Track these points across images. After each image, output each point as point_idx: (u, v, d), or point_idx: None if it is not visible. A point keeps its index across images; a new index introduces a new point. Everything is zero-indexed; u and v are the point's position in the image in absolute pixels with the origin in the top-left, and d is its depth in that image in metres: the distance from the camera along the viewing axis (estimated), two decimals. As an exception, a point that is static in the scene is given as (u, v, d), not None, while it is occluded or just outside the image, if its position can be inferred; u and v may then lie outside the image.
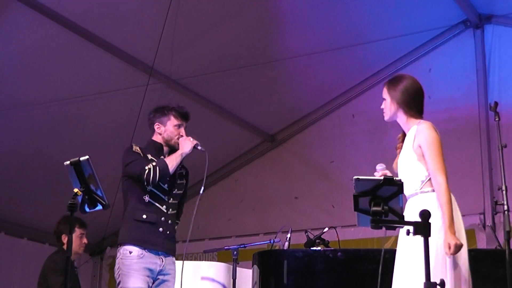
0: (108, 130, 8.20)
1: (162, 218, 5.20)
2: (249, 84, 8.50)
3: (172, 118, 5.39)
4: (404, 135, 4.66)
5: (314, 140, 9.26)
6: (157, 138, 5.40)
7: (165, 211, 5.23)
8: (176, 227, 5.34)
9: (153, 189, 5.21)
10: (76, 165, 4.47)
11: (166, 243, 5.21)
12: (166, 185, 5.26)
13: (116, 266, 5.19)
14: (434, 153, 4.38)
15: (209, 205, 9.64)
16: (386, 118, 4.68)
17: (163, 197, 5.24)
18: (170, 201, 5.27)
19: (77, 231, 6.65)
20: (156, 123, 5.41)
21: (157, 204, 5.21)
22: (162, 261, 5.18)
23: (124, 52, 7.54)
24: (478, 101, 8.20)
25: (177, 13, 7.09)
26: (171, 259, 5.27)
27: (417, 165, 4.43)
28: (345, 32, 8.07)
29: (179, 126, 5.38)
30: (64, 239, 6.48)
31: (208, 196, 9.71)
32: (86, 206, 4.57)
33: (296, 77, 8.57)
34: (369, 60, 8.64)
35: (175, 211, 5.32)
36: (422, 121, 4.53)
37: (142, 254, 5.10)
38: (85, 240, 6.77)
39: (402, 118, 4.62)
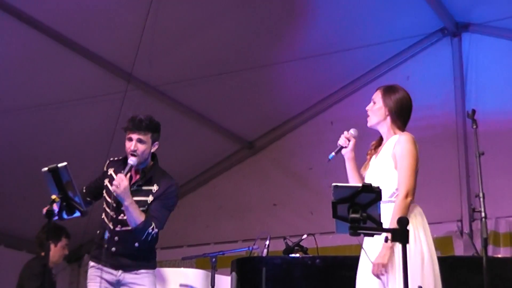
0: (86, 137, 8.16)
1: (108, 235, 5.10)
2: (228, 91, 8.50)
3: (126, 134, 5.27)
4: (379, 142, 4.72)
5: (292, 147, 9.27)
6: None
7: (112, 227, 5.11)
8: (136, 244, 5.10)
9: (105, 206, 5.18)
10: (54, 172, 4.45)
11: (113, 260, 5.09)
12: (112, 200, 5.13)
13: None
14: (406, 166, 4.45)
15: (188, 212, 9.62)
16: (371, 123, 4.72)
17: (110, 213, 5.14)
18: (118, 218, 5.11)
19: (63, 241, 6.65)
20: None
21: (106, 220, 5.16)
22: (118, 274, 5.10)
23: (102, 58, 7.51)
24: (455, 109, 8.26)
25: (156, 18, 7.08)
26: (132, 273, 5.11)
27: (393, 173, 4.48)
28: (323, 40, 8.10)
29: (129, 139, 5.19)
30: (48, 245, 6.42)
31: (187, 203, 9.70)
32: (64, 213, 4.55)
33: (275, 84, 8.58)
34: (347, 67, 8.67)
35: (127, 228, 5.08)
36: (405, 132, 4.62)
37: (98, 266, 5.13)
38: (66, 251, 6.77)
39: (386, 127, 4.68)
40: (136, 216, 4.99)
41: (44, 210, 4.48)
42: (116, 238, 5.09)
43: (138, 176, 5.22)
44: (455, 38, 8.37)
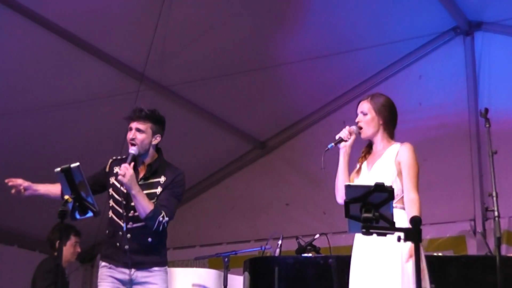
0: (98, 137, 8.17)
1: (120, 233, 5.07)
2: (240, 91, 8.49)
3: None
4: (369, 149, 4.79)
5: (304, 146, 9.25)
6: None
7: (123, 224, 5.06)
8: (150, 239, 5.08)
9: (114, 204, 5.15)
10: (67, 172, 4.46)
11: (126, 258, 5.03)
12: (122, 198, 5.11)
13: None
14: (413, 174, 4.54)
15: (200, 212, 9.64)
16: (366, 135, 4.77)
17: (120, 210, 5.09)
18: (129, 214, 5.07)
19: (72, 239, 6.67)
20: None
21: (115, 219, 5.12)
22: (131, 272, 5.06)
23: (114, 59, 7.53)
24: (468, 108, 8.23)
25: (168, 19, 7.09)
26: (145, 271, 5.07)
27: (396, 180, 4.56)
28: (335, 39, 8.08)
29: (129, 129, 5.20)
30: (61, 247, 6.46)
31: (199, 203, 9.73)
32: (76, 213, 4.56)
33: (287, 84, 8.58)
34: (359, 67, 8.66)
35: (138, 224, 5.05)
36: (406, 142, 4.68)
37: (110, 265, 5.10)
38: (78, 249, 6.80)
39: (380, 137, 4.75)
40: (145, 204, 4.97)
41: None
42: (128, 235, 5.05)
43: (144, 171, 5.20)
44: (468, 37, 8.34)
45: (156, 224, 4.99)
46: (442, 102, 8.35)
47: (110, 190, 5.20)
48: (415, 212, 4.36)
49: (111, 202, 5.17)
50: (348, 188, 3.79)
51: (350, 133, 4.76)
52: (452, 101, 8.34)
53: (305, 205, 9.03)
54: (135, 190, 4.96)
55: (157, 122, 5.23)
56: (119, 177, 4.97)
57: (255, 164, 9.66)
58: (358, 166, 4.80)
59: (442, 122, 8.23)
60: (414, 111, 8.23)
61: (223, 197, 9.67)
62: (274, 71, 8.28)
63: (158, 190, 5.12)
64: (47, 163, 5.98)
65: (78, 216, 4.59)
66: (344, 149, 4.75)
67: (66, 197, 4.47)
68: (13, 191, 5.10)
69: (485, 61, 8.30)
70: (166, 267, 5.21)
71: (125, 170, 4.96)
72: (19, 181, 5.16)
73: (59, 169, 4.47)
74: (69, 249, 6.63)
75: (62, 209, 4.38)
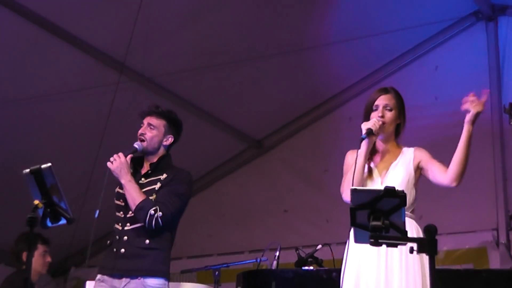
0: (73, 134, 8.16)
1: (117, 237, 5.26)
2: (232, 83, 8.49)
3: None
4: (374, 153, 4.83)
5: (306, 146, 9.27)
6: None
7: (120, 228, 5.27)
8: (147, 241, 5.21)
9: (116, 212, 5.35)
10: (37, 174, 4.46)
11: (119, 264, 5.17)
12: (120, 199, 5.32)
13: None
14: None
15: (187, 219, 9.54)
16: (384, 133, 4.76)
17: (118, 214, 5.32)
18: (127, 216, 5.27)
19: (40, 248, 6.68)
20: None
21: (115, 226, 5.33)
22: (122, 285, 5.15)
23: (92, 46, 7.52)
24: (490, 103, 8.18)
25: (152, 2, 7.09)
26: (134, 281, 5.14)
27: (413, 186, 4.70)
28: (341, 26, 8.07)
29: (142, 124, 5.45)
30: (25, 257, 6.47)
31: (186, 209, 9.69)
32: (48, 220, 4.56)
33: (286, 75, 8.57)
34: (368, 56, 8.64)
35: (136, 225, 5.22)
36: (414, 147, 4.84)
37: (102, 278, 5.21)
38: (48, 258, 6.82)
39: (391, 138, 4.84)
40: (135, 194, 5.19)
41: None
42: (125, 237, 5.23)
43: (148, 168, 5.41)
44: (491, 22, 8.34)
45: (147, 218, 5.14)
46: (461, 97, 8.25)
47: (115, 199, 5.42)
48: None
49: (116, 212, 5.37)
50: (354, 192, 3.78)
51: (379, 127, 4.74)
52: (472, 95, 8.34)
53: (306, 212, 9.03)
54: (125, 180, 5.20)
55: (172, 122, 5.48)
56: (107, 163, 5.19)
57: (249, 166, 9.67)
58: (366, 167, 4.80)
59: (461, 119, 8.18)
60: (429, 107, 8.24)
61: (214, 203, 9.67)
62: (271, 60, 8.26)
63: (157, 186, 5.31)
64: (14, 164, 5.98)
65: (49, 224, 4.59)
66: (370, 143, 4.73)
67: (36, 202, 4.47)
68: None
69: (510, 50, 8.29)
70: (166, 282, 5.26)
71: (116, 157, 5.21)
72: None
73: (28, 170, 4.48)
74: (38, 260, 6.64)
75: (32, 215, 4.38)
